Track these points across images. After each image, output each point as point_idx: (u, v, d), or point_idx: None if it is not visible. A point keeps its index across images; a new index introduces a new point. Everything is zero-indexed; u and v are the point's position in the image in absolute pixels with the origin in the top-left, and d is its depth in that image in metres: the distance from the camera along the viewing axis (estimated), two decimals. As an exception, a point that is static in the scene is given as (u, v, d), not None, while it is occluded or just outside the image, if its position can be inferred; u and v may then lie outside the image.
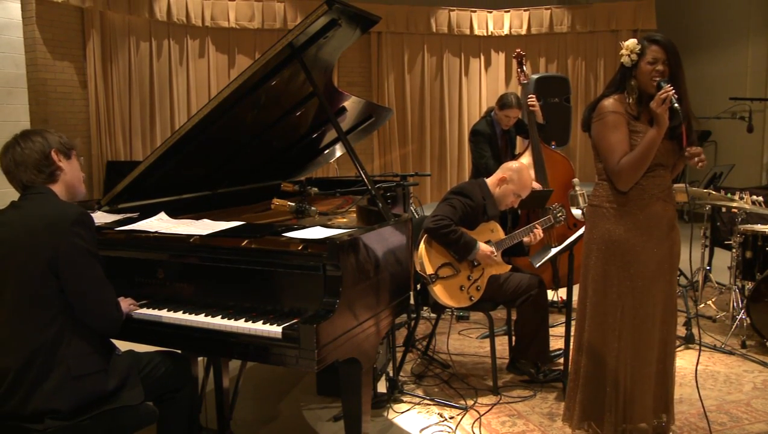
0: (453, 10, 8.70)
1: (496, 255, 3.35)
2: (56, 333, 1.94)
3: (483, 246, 3.29)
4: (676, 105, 2.43)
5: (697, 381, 2.83)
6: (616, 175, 2.55)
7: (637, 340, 2.62)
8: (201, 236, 2.33)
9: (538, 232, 3.47)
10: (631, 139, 2.54)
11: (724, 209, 4.52)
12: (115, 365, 2.07)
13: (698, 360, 2.81)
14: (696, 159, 2.52)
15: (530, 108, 4.49)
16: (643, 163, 2.51)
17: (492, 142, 4.61)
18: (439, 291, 3.23)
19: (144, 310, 2.28)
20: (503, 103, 4.52)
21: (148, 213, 2.72)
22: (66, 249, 1.94)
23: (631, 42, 2.54)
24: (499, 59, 8.95)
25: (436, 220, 3.23)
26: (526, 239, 3.48)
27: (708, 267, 4.90)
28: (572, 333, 3.25)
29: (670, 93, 2.42)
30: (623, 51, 2.55)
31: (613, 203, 2.61)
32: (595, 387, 2.70)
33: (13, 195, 2.08)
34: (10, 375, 1.91)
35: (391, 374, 3.35)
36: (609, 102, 2.57)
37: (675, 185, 2.77)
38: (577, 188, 4.23)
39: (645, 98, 2.57)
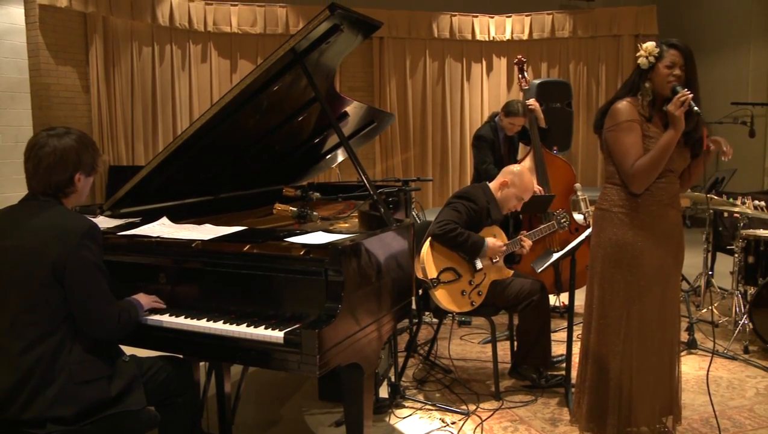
0: (455, 15, 8.73)
1: (498, 259, 3.36)
2: (58, 341, 1.94)
3: (491, 241, 3.30)
4: (696, 108, 2.42)
5: (708, 387, 2.81)
6: (631, 178, 2.54)
7: (641, 344, 2.61)
8: (203, 241, 2.33)
9: (527, 244, 3.46)
10: (645, 143, 2.53)
11: (726, 214, 4.51)
12: (120, 370, 2.07)
13: (710, 366, 2.79)
14: (724, 149, 2.53)
15: (530, 111, 4.49)
16: (658, 165, 2.50)
17: (494, 148, 4.61)
18: (440, 296, 3.23)
19: (146, 315, 2.28)
20: (509, 110, 4.52)
21: (150, 218, 2.72)
22: (74, 261, 1.94)
23: (650, 44, 2.52)
24: (500, 64, 8.96)
25: (442, 226, 3.23)
26: (516, 250, 3.48)
27: (710, 272, 4.89)
28: (575, 338, 3.26)
29: (689, 96, 2.42)
30: (641, 53, 2.52)
31: (622, 207, 2.60)
32: (600, 391, 2.70)
33: (13, 199, 2.07)
34: (10, 381, 1.90)
35: (392, 379, 3.34)
36: (622, 105, 2.55)
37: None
38: (579, 193, 4.21)
39: (659, 101, 2.56)
